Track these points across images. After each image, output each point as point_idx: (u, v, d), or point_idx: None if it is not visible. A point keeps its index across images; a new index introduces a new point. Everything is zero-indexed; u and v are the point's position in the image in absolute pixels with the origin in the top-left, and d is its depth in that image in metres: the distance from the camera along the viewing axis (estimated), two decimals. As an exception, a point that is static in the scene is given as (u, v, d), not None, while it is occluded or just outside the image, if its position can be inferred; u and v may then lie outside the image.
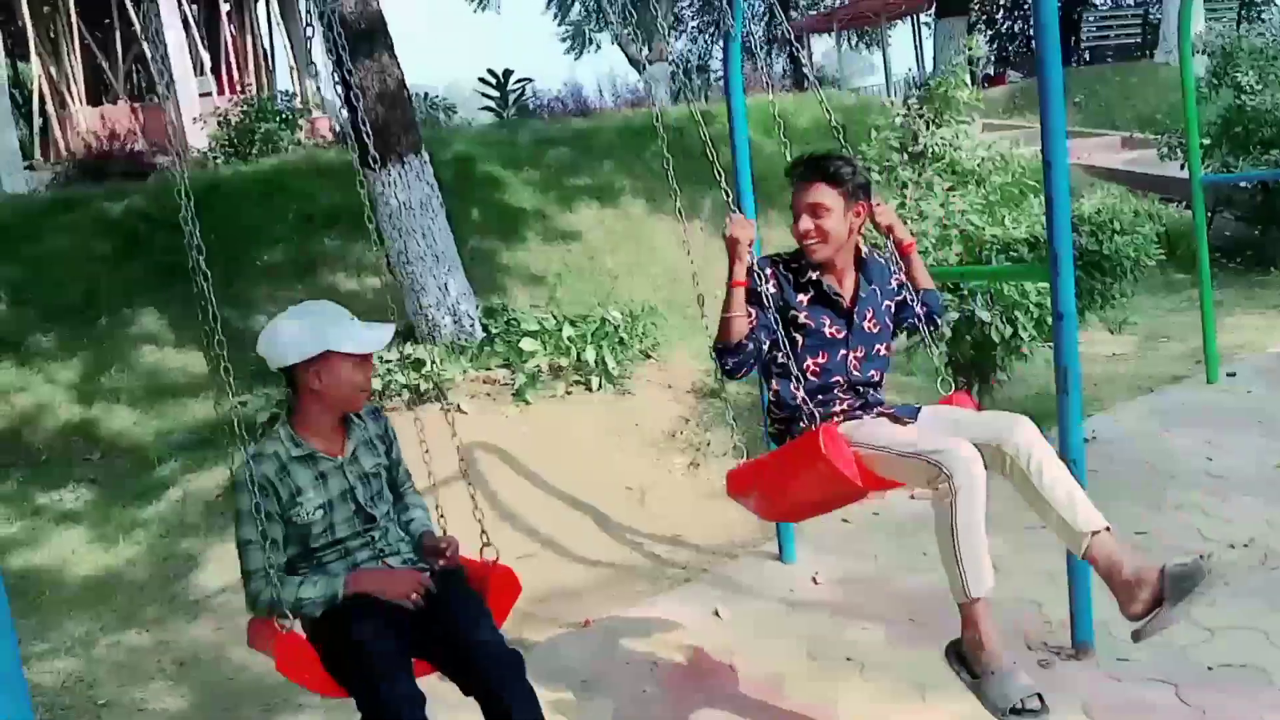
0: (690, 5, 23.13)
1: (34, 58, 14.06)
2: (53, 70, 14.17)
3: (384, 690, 2.36)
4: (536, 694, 2.46)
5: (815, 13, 25.35)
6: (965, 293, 4.76)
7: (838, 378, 2.86)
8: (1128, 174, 11.51)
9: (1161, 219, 5.11)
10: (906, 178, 5.27)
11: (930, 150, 5.31)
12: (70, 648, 4.21)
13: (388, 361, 5.65)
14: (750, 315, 2.75)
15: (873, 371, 2.94)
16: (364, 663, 2.41)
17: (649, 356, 6.24)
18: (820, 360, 2.85)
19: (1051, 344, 4.39)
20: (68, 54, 14.09)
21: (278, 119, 11.87)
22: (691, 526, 4.73)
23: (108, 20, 14.64)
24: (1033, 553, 3.87)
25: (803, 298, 2.85)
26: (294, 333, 2.54)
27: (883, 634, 3.54)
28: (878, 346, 2.95)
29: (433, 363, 5.57)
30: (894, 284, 3.03)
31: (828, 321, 2.86)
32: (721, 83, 19.44)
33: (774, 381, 2.91)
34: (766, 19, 26.70)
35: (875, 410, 2.91)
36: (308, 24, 5.28)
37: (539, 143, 10.14)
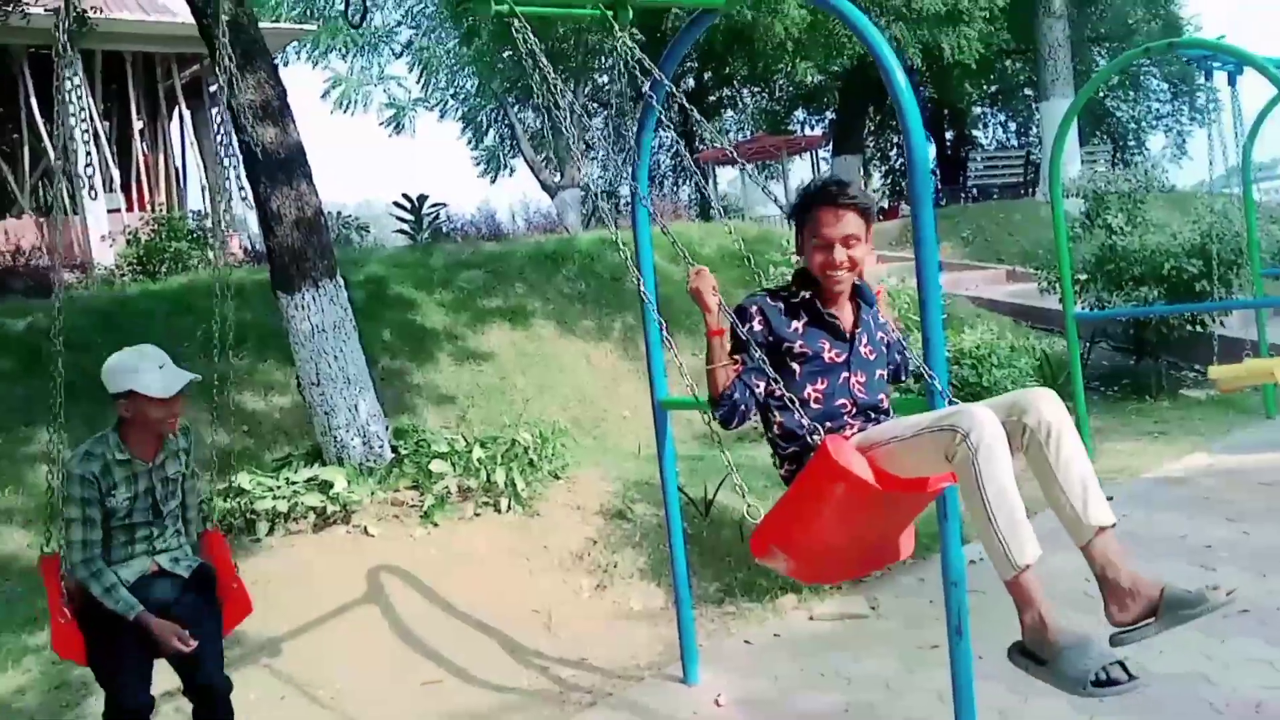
0: (602, 131, 23.98)
1: (-64, 170, 13.86)
2: (-46, 183, 13.97)
3: (127, 696, 3.18)
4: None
5: (720, 146, 26.29)
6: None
7: (842, 401, 2.76)
8: (1011, 306, 12.20)
9: (1037, 352, 5.46)
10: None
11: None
12: (-51, 784, 4.04)
13: (294, 484, 5.64)
14: (737, 362, 2.73)
15: (881, 396, 2.85)
16: (117, 671, 3.20)
17: (558, 477, 6.33)
18: (821, 386, 2.75)
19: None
20: (-29, 167, 13.93)
21: (188, 238, 11.88)
22: (598, 648, 4.78)
23: (16, 135, 14.55)
24: (924, 671, 4.03)
25: (797, 325, 2.78)
26: (113, 370, 3.27)
27: (783, 754, 3.63)
28: (879, 372, 2.88)
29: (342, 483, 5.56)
30: (882, 318, 3.01)
31: (826, 346, 2.78)
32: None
33: (777, 415, 2.76)
34: (674, 150, 27.71)
35: None
36: (225, 153, 5.41)
37: (452, 265, 10.33)
